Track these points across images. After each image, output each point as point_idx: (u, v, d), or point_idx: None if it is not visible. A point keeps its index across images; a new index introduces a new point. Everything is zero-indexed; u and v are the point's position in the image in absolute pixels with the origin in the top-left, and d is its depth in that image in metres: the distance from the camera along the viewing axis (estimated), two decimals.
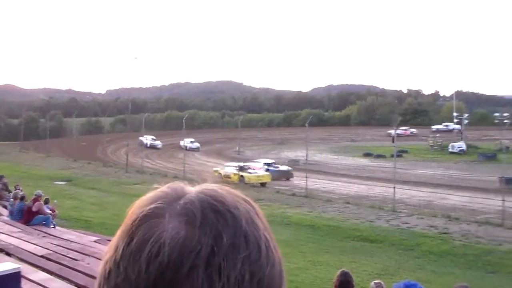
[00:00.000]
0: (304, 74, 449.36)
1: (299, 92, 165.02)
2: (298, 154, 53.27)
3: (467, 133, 66.71)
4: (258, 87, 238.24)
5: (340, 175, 42.68)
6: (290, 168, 42.76)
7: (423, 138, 72.91)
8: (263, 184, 36.34)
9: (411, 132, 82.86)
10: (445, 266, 17.09)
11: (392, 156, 37.66)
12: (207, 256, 0.66)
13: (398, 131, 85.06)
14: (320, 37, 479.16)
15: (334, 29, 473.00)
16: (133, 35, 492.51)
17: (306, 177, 33.22)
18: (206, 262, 0.66)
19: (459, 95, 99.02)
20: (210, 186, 0.77)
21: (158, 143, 69.42)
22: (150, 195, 0.77)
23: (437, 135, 69.76)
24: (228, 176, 37.23)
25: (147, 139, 64.40)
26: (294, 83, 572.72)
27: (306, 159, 36.94)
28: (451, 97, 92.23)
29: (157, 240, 0.68)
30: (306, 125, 40.67)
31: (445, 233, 21.69)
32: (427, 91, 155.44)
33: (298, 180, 37.96)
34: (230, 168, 39.18)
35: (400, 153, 50.31)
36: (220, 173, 38.76)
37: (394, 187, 27.95)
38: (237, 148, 60.35)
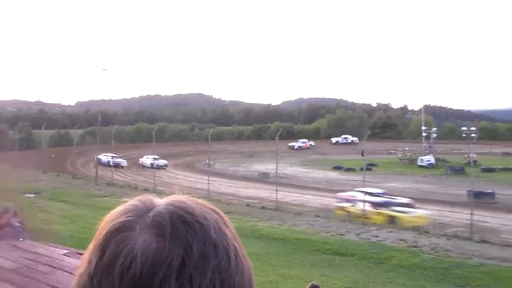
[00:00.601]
0: (274, 87, 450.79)
1: (269, 105, 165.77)
2: (268, 167, 53.32)
3: (436, 146, 67.75)
4: (228, 99, 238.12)
5: (310, 188, 42.82)
6: (410, 200, 31.64)
7: (392, 151, 73.73)
8: (418, 227, 26.08)
9: (310, 145, 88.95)
10: (415, 279, 17.20)
11: (361, 169, 37.95)
12: (178, 267, 0.68)
13: (299, 144, 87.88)
14: (290, 51, 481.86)
15: (304, 43, 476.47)
16: (102, 47, 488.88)
17: (276, 190, 33.28)
18: (178, 272, 0.68)
19: (427, 109, 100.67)
20: (178, 198, 0.79)
21: (122, 160, 62.15)
22: (120, 208, 0.78)
23: (406, 148, 70.61)
24: (366, 216, 27.97)
25: (107, 157, 58.04)
26: (264, 96, 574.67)
27: (276, 172, 36.94)
28: (419, 111, 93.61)
29: (129, 253, 0.70)
30: (276, 138, 40.80)
31: (414, 246, 21.86)
32: (396, 105, 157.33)
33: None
34: (365, 205, 28.64)
35: (370, 167, 50.73)
36: (348, 211, 29.11)
37: (364, 201, 28.12)
38: (207, 161, 60.03)
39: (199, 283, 0.68)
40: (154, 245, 0.70)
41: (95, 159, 53.36)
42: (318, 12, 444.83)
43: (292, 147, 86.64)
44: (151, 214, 0.74)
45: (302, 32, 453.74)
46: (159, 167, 55.17)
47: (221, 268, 0.70)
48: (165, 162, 61.82)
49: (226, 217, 0.81)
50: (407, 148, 70.45)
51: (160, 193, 0.82)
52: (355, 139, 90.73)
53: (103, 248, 0.73)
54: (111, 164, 53.60)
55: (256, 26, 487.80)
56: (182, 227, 0.72)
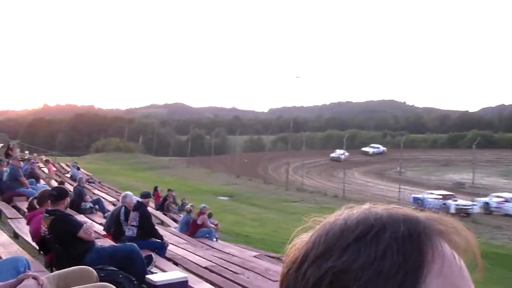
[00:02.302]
0: (472, 92, 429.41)
1: (466, 112, 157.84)
2: (464, 176, 50.82)
3: None
4: (421, 106, 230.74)
5: None
6: None
7: None
8: None
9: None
10: None
11: None
12: (299, 262, 0.74)
13: (343, 156, 73.48)
14: (489, 53, 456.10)
15: (505, 44, 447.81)
16: (295, 54, 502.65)
17: (473, 200, 31.56)
18: (297, 267, 0.74)
19: None
20: (369, 205, 0.78)
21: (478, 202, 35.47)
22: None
23: None
24: None
25: (435, 196, 36.91)
26: (460, 102, 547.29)
27: (473, 182, 35.03)
28: None
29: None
30: (473, 146, 38.75)
31: None
32: None
33: None
34: None
35: None
36: None
37: None
38: (398, 169, 58.55)
39: (309, 278, 0.72)
40: (299, 243, 0.77)
41: (408, 198, 38.98)
42: None
43: (337, 159, 72.10)
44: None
45: (499, 32, 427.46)
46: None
47: (337, 269, 0.70)
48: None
49: (423, 230, 0.71)
50: None
51: (349, 200, 0.82)
52: (384, 148, 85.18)
53: None
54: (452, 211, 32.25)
55: (450, 29, 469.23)
56: (328, 228, 0.75)
